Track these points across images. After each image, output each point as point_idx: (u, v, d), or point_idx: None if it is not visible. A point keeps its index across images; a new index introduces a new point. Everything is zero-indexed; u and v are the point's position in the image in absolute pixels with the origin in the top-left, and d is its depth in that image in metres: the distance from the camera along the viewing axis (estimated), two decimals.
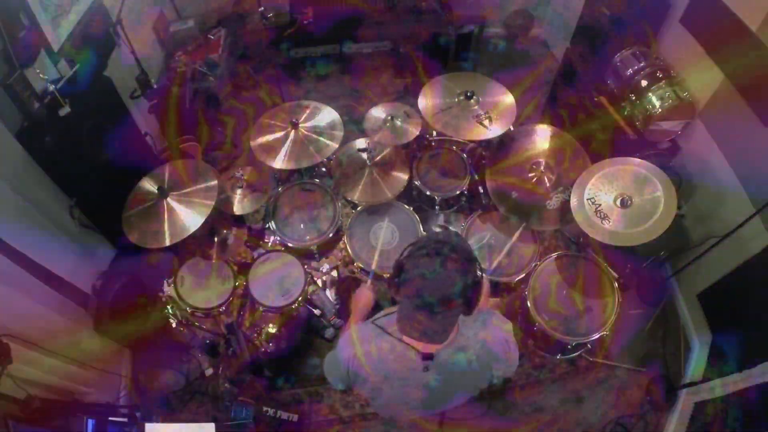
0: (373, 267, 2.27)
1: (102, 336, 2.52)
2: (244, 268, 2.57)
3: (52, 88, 2.27)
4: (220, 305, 2.48)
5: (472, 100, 2.51)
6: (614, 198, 2.19)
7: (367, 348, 1.38)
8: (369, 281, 2.05)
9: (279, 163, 2.49)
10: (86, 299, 2.54)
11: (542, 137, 2.61)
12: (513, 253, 2.51)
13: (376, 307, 1.87)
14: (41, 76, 2.23)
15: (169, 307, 2.45)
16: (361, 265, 2.53)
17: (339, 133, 2.58)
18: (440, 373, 1.36)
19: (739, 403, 2.25)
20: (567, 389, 2.75)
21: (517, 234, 2.47)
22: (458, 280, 1.19)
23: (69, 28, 2.49)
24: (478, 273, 1.26)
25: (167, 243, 2.17)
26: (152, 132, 3.30)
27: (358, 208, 2.68)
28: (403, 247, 1.32)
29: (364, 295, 1.84)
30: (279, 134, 2.56)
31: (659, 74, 2.67)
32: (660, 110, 2.60)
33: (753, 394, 2.17)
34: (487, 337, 1.37)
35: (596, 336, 2.29)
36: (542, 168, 2.48)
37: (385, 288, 2.58)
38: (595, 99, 3.02)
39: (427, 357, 1.32)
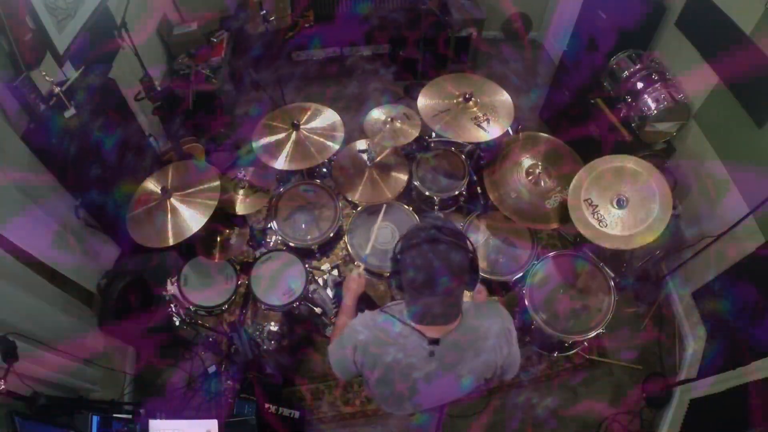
0: (367, 251, 2.26)
1: (106, 334, 2.56)
2: (246, 267, 2.60)
3: (57, 90, 2.31)
4: (223, 304, 2.51)
5: (470, 102, 2.54)
6: (610, 198, 2.22)
7: (377, 333, 1.41)
8: (362, 266, 2.08)
9: (281, 164, 2.52)
10: (91, 298, 2.58)
11: (539, 141, 2.65)
12: (510, 252, 2.55)
13: (363, 298, 1.89)
14: (47, 78, 2.27)
15: (172, 305, 2.48)
16: (360, 264, 2.56)
17: (340, 135, 2.61)
18: (445, 358, 1.39)
19: (734, 400, 2.28)
20: (564, 387, 2.78)
21: (514, 233, 2.51)
22: (453, 257, 1.26)
23: (74, 31, 2.52)
24: (470, 246, 1.33)
25: (170, 242, 2.19)
26: (156, 133, 3.34)
27: (358, 208, 2.71)
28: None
29: (354, 280, 1.87)
30: (281, 135, 2.59)
31: (655, 76, 2.71)
32: (655, 112, 2.64)
33: (748, 392, 2.19)
34: (492, 325, 1.41)
35: (593, 334, 2.32)
36: (539, 170, 2.52)
37: (376, 279, 2.63)
38: (592, 101, 3.06)
39: (434, 342, 1.36)
